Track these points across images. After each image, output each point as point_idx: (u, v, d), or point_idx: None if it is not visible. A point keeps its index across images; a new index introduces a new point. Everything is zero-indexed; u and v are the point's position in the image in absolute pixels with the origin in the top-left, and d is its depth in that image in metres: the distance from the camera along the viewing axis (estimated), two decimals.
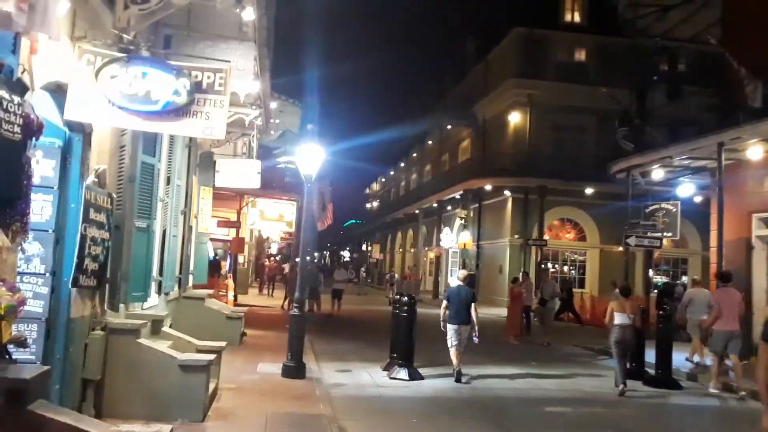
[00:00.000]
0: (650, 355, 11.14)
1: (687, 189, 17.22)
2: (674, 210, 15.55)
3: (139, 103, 5.58)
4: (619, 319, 9.87)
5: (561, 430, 7.79)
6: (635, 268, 21.97)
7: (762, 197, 13.42)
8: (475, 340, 10.14)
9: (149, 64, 5.77)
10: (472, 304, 10.16)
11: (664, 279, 26.67)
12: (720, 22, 15.61)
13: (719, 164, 12.50)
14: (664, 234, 15.62)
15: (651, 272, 17.88)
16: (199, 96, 5.75)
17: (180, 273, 10.85)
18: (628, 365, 10.15)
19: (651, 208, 15.79)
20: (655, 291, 18.02)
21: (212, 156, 13.26)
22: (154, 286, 8.61)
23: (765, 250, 13.50)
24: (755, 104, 12.23)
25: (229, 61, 7.04)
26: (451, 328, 10.22)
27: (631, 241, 14.79)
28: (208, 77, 5.84)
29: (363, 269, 50.94)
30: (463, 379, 10.03)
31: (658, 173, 15.70)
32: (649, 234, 15.05)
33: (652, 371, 10.97)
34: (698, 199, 18.46)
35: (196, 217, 12.31)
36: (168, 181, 9.17)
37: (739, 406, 9.48)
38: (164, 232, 9.05)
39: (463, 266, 29.15)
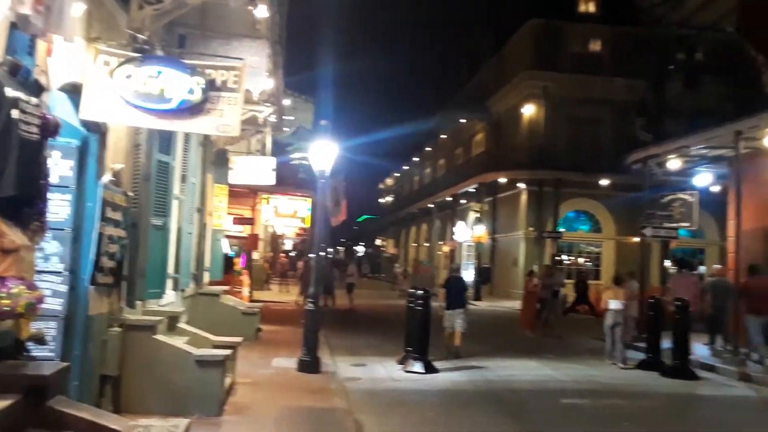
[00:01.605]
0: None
1: (704, 179, 17.00)
2: (691, 200, 15.39)
3: (154, 102, 5.63)
4: (612, 305, 11.17)
5: (578, 423, 7.77)
6: (651, 259, 21.80)
7: None
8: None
9: (163, 64, 5.83)
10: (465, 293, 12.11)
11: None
12: (737, 9, 15.38)
13: (736, 153, 12.34)
14: (681, 224, 15.48)
15: (667, 262, 17.70)
16: (213, 94, 5.79)
17: (196, 270, 10.95)
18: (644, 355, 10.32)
19: (667, 198, 15.64)
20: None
21: (226, 153, 13.35)
22: (170, 283, 8.69)
23: None
24: None
25: (242, 59, 7.07)
26: (447, 312, 11.66)
27: (648, 231, 14.67)
28: (222, 75, 5.88)
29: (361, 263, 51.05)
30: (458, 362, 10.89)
31: (675, 163, 15.53)
32: (665, 224, 14.92)
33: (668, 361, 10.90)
34: (716, 188, 18.24)
35: (210, 214, 12.41)
36: (183, 179, 9.25)
37: (757, 395, 9.40)
38: (179, 229, 9.14)
39: (478, 261, 29.12)
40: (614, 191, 25.68)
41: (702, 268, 21.80)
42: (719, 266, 16.19)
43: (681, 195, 15.71)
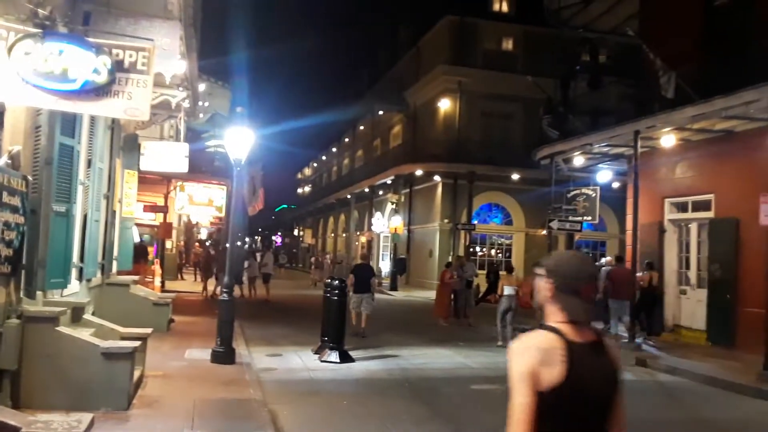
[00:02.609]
0: None
1: (606, 175, 18.03)
2: (593, 195, 16.27)
3: (56, 82, 5.36)
4: (507, 291, 12.99)
5: (487, 407, 8.08)
6: (558, 250, 22.86)
7: (674, 183, 14.24)
8: (373, 302, 13.13)
9: (66, 41, 5.55)
10: (371, 279, 13.25)
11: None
12: (638, 15, 16.34)
13: (635, 151, 13.15)
14: (584, 218, 16.33)
15: (604, 259, 18.70)
16: (121, 75, 5.58)
17: (103, 259, 10.50)
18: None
19: (572, 193, 16.46)
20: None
21: (137, 138, 12.83)
22: (74, 273, 8.31)
23: (676, 233, 14.35)
24: (669, 95, 12.90)
25: (152, 40, 6.83)
26: (354, 296, 12.68)
27: (554, 224, 15.38)
28: (131, 56, 5.67)
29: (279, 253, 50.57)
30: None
31: (579, 160, 16.36)
32: (570, 218, 15.69)
33: None
34: (616, 184, 19.36)
35: (120, 201, 11.92)
36: (89, 163, 8.82)
37: (651, 379, 10.10)
38: (85, 216, 8.73)
39: (394, 252, 29.52)
40: (524, 185, 26.72)
41: (603, 260, 23.07)
42: (609, 258, 17.41)
43: (584, 190, 16.57)
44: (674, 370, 10.34)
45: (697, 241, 13.75)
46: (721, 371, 9.99)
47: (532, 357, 2.15)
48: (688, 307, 13.78)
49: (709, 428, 7.35)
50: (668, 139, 13.45)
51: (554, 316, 2.21)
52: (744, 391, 8.92)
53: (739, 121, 11.77)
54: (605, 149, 15.37)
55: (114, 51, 5.62)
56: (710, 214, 13.21)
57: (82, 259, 8.67)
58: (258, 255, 26.13)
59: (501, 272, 14.61)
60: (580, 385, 2.10)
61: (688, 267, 14.01)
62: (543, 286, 2.24)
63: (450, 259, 23.43)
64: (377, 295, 13.76)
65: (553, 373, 2.10)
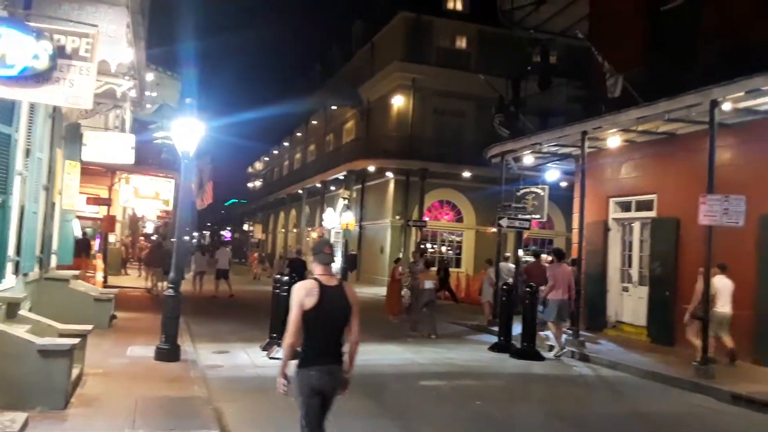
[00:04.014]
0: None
1: (554, 174, 18.40)
2: (542, 194, 16.56)
3: None
4: (427, 285, 13.61)
5: (435, 402, 8.14)
6: (507, 248, 23.25)
7: (618, 183, 14.64)
8: None
9: (5, 25, 5.30)
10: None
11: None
12: (588, 18, 16.72)
13: (582, 151, 13.45)
14: (533, 216, 16.60)
15: (521, 252, 18.96)
16: (63, 62, 5.36)
17: (41, 253, 10.10)
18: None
19: (522, 191, 16.71)
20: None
21: (79, 128, 12.38)
22: (10, 267, 7.96)
23: (620, 231, 14.77)
24: (615, 94, 13.25)
25: (97, 26, 6.57)
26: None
27: (504, 222, 15.58)
28: (73, 42, 5.46)
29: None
30: None
31: (529, 159, 16.64)
32: (519, 216, 15.92)
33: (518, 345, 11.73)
34: (564, 183, 19.79)
35: (60, 193, 11.48)
36: (27, 153, 8.46)
37: (593, 374, 10.38)
38: (22, 208, 8.37)
39: (345, 248, 29.45)
40: (476, 183, 27.05)
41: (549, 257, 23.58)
42: (546, 255, 17.91)
43: (534, 189, 16.85)
44: (616, 365, 10.64)
45: (640, 240, 14.18)
46: (661, 366, 10.33)
47: (302, 292, 4.07)
48: (630, 304, 14.21)
49: (648, 421, 7.59)
50: (614, 140, 13.82)
51: (317, 270, 4.18)
52: (682, 385, 9.26)
53: (681, 124, 12.17)
54: (554, 149, 15.68)
55: (56, 36, 5.40)
56: (652, 214, 13.64)
57: (18, 252, 8.32)
58: (210, 252, 25.57)
59: (431, 269, 14.96)
60: (325, 308, 4.04)
61: (630, 265, 14.44)
62: (309, 260, 4.70)
63: (401, 255, 23.55)
64: None
65: (312, 301, 4.03)
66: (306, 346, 4.12)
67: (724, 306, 10.19)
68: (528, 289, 11.98)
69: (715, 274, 10.24)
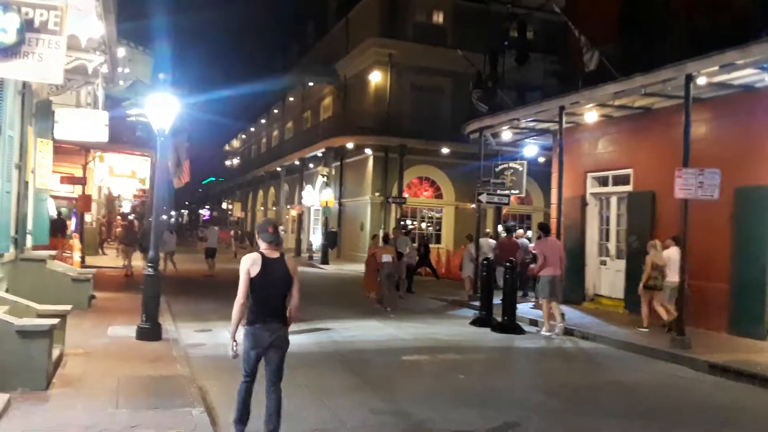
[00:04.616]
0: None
1: (532, 150, 18.50)
2: (521, 169, 16.67)
3: None
4: (385, 258, 13.90)
5: (417, 376, 8.23)
6: (486, 223, 23.41)
7: (595, 158, 14.76)
8: None
9: None
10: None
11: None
12: None
13: (560, 127, 13.52)
14: (512, 191, 16.72)
15: (500, 227, 19.11)
16: (31, 36, 5.21)
17: (16, 233, 9.91)
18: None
19: (500, 167, 16.79)
20: None
21: (51, 105, 12.08)
22: None
23: (597, 206, 14.94)
24: (591, 67, 13.32)
25: None
26: None
27: (483, 198, 15.66)
28: (41, 15, 5.29)
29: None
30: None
31: (507, 134, 16.68)
32: (498, 192, 16.02)
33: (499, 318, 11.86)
34: (542, 159, 19.91)
35: (33, 171, 11.23)
36: None
37: (572, 346, 10.56)
38: None
39: (325, 225, 29.41)
40: (455, 159, 27.07)
41: (530, 233, 23.77)
42: (520, 231, 18.16)
43: (512, 164, 16.94)
44: (594, 337, 10.83)
45: (617, 214, 14.36)
46: (638, 337, 10.54)
47: (248, 261, 4.75)
48: (608, 277, 14.43)
49: (626, 390, 7.76)
50: (591, 115, 13.90)
51: (262, 246, 4.88)
52: (658, 356, 9.47)
53: (657, 98, 12.27)
54: (532, 124, 15.73)
55: (23, 9, 5.23)
56: (629, 188, 13.80)
57: None
58: (191, 231, 25.28)
59: (385, 245, 14.72)
60: (268, 276, 4.74)
61: (608, 239, 14.64)
62: (257, 238, 4.97)
63: (380, 232, 23.56)
64: (308, 269, 13.69)
65: (256, 270, 4.72)
66: (252, 308, 4.77)
67: (673, 276, 10.64)
68: (507, 264, 12.07)
69: (669, 245, 10.88)
